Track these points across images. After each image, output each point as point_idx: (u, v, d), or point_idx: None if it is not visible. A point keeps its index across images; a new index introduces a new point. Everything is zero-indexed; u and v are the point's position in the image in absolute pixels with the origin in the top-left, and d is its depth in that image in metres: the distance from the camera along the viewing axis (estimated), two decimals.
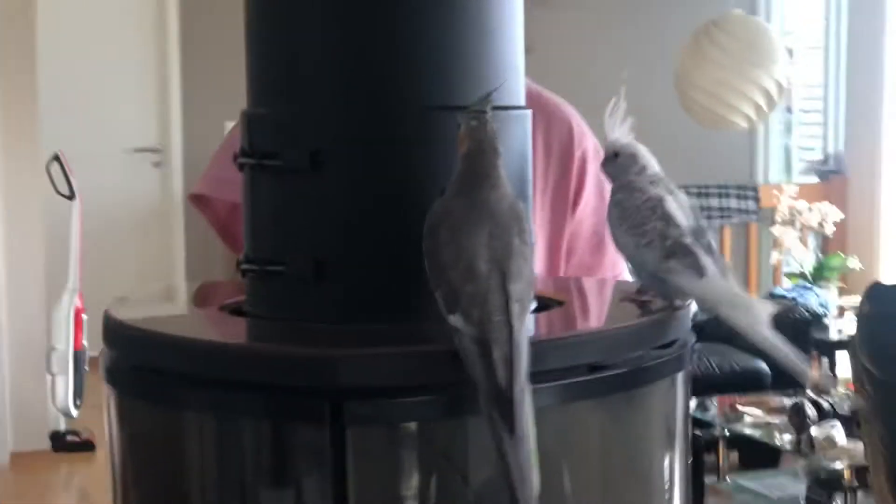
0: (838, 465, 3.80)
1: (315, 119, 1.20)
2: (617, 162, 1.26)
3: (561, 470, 1.15)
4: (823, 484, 3.84)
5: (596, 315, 1.34)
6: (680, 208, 1.23)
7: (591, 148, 1.78)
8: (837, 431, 3.83)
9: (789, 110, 6.49)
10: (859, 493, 3.76)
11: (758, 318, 1.16)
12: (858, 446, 3.76)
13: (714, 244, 1.22)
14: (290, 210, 1.21)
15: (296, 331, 1.18)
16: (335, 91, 1.20)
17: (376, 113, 1.19)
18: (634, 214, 1.22)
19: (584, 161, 1.77)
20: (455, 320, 1.06)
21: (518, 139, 1.23)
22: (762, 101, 5.00)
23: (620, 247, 1.25)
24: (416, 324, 1.17)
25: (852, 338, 3.15)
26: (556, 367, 1.11)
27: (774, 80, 5.13)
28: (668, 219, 1.21)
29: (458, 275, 1.07)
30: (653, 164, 1.26)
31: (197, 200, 1.79)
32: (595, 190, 1.76)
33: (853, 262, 5.40)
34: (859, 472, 3.69)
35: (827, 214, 5.30)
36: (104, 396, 1.24)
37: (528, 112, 1.25)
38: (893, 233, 5.79)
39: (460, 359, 1.06)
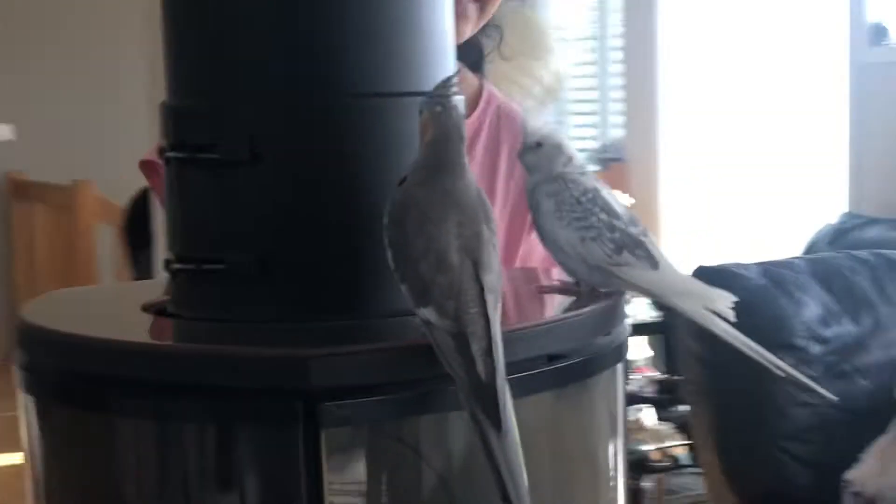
0: (646, 448, 3.88)
1: (251, 110, 1.14)
2: (541, 151, 1.22)
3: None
4: (633, 466, 3.92)
5: (538, 304, 1.32)
6: (613, 199, 1.21)
7: None
8: (645, 414, 3.92)
9: (562, 101, 6.60)
10: (669, 475, 3.86)
11: (717, 310, 1.15)
12: (667, 428, 3.86)
13: (650, 234, 1.21)
14: (229, 205, 1.15)
15: (247, 332, 1.12)
16: (269, 81, 1.14)
17: (313, 102, 1.14)
18: (575, 207, 1.18)
19: None
20: (427, 313, 1.03)
21: None
22: (541, 93, 5.07)
23: (559, 241, 1.19)
24: (369, 320, 1.14)
25: (672, 319, 3.22)
26: (519, 359, 1.09)
27: (551, 71, 5.22)
28: (609, 210, 1.18)
29: (428, 266, 1.04)
30: (577, 155, 1.24)
31: (145, 167, 1.73)
32: None
33: None
34: (667, 453, 3.78)
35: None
36: (21, 405, 1.17)
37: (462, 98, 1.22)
38: (673, 215, 5.96)
39: (434, 354, 1.03)
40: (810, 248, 5.31)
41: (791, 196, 5.75)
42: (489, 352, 1.01)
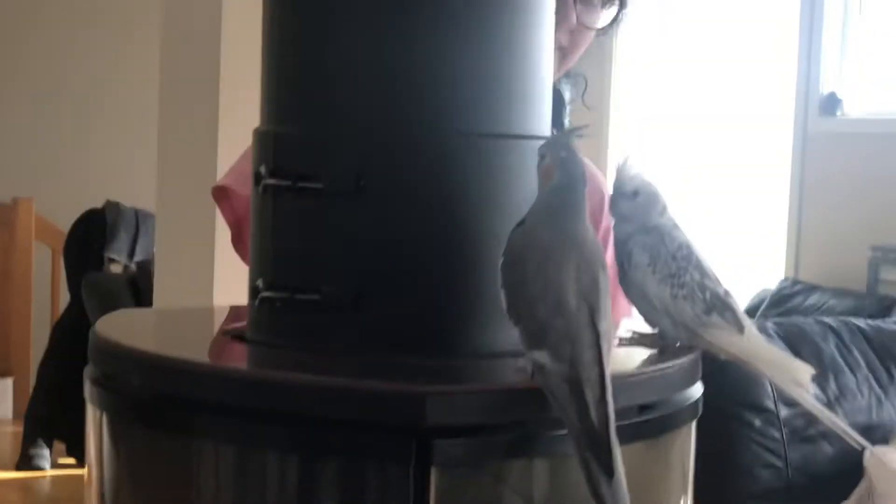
0: None
1: (358, 142, 1.14)
2: (637, 200, 1.21)
3: None
4: None
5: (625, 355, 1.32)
6: (704, 257, 1.20)
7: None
8: None
9: None
10: None
11: (799, 380, 1.16)
12: None
13: (731, 294, 1.20)
14: (328, 236, 1.14)
15: (343, 364, 1.11)
16: (378, 114, 1.14)
17: (421, 139, 1.14)
18: (669, 263, 1.18)
19: (608, 234, 1.65)
20: (540, 356, 1.03)
21: None
22: None
23: (649, 295, 1.19)
24: (463, 359, 1.14)
25: None
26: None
27: None
28: (702, 270, 1.18)
29: (546, 308, 1.04)
30: (670, 206, 1.24)
31: (218, 194, 1.72)
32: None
33: None
34: None
35: None
36: (92, 420, 1.15)
37: None
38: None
39: (545, 397, 1.03)
40: (750, 311, 5.38)
41: (731, 260, 5.82)
42: (602, 399, 1.01)
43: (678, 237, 1.20)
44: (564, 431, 1.03)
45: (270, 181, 1.16)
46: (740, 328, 1.16)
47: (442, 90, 1.14)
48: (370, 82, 1.14)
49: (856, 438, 1.15)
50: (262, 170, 1.17)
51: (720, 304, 1.17)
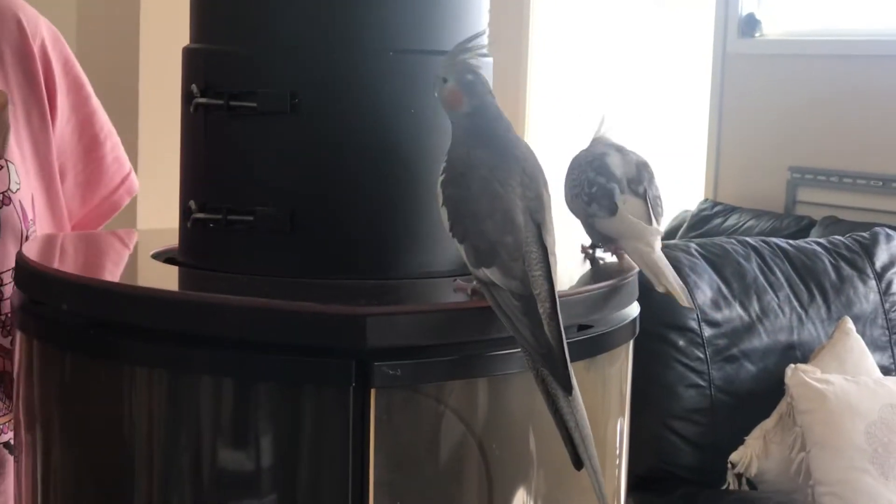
0: None
1: (292, 61, 1.11)
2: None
3: (546, 433, 1.13)
4: None
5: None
6: (622, 163, 1.25)
7: (47, 36, 1.45)
8: None
9: None
10: None
11: (649, 242, 1.21)
12: None
13: (654, 193, 1.26)
14: (263, 156, 1.12)
15: (278, 286, 1.09)
16: (310, 30, 1.12)
17: (353, 55, 1.12)
18: (573, 171, 1.26)
19: (45, 55, 1.44)
20: (490, 274, 1.01)
21: None
22: None
23: (569, 208, 1.27)
24: (400, 280, 1.12)
25: None
26: None
27: None
28: (601, 170, 1.24)
29: (494, 225, 1.02)
30: (608, 132, 1.30)
31: None
32: (65, 83, 1.46)
33: None
34: None
35: None
36: (22, 348, 1.13)
37: (490, 59, 1.21)
38: None
39: (489, 316, 1.02)
40: (670, 233, 5.42)
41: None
42: (554, 314, 1.01)
43: (595, 150, 1.26)
44: (504, 351, 1.03)
45: (202, 100, 1.13)
46: (612, 212, 1.22)
47: (375, 7, 1.12)
48: (299, 4, 1.11)
49: (684, 298, 1.18)
50: (194, 88, 1.14)
51: (601, 195, 1.22)
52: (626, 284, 1.18)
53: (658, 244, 1.21)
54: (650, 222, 1.23)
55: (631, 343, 1.22)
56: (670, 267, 1.20)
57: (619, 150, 1.27)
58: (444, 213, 1.05)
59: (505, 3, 6.10)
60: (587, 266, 1.24)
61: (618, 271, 1.21)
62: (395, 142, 1.11)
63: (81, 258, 1.24)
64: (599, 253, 1.27)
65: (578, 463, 0.98)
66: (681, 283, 1.20)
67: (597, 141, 1.28)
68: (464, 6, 1.16)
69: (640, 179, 1.25)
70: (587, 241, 1.27)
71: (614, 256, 1.25)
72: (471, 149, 1.05)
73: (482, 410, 1.07)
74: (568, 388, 0.98)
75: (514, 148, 1.06)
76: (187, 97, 1.14)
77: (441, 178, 1.05)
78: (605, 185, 1.23)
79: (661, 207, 1.26)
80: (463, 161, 1.05)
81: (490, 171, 1.04)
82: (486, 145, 1.05)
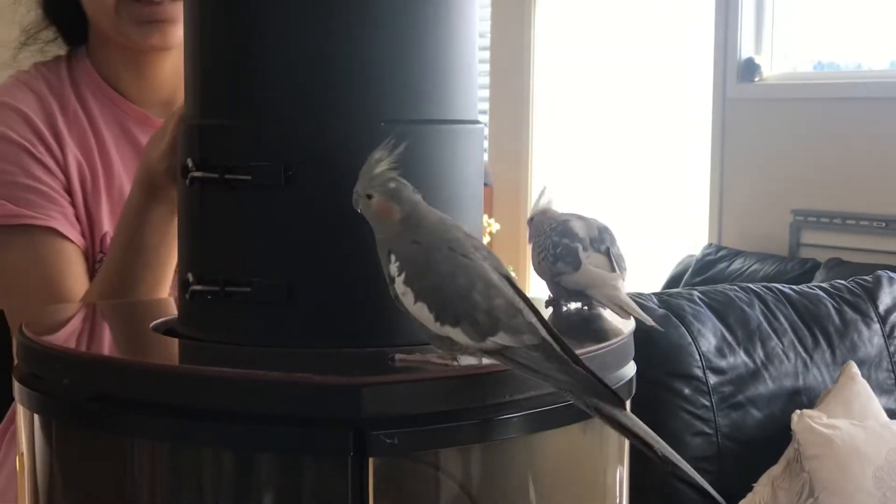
0: None
1: (285, 133, 1.13)
2: (533, 223, 1.38)
3: (546, 492, 1.14)
4: None
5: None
6: (585, 227, 1.34)
7: None
8: None
9: None
10: None
11: (615, 286, 1.29)
12: None
13: (616, 251, 1.33)
14: (258, 228, 1.14)
15: (277, 357, 1.10)
16: (302, 103, 1.13)
17: (346, 126, 1.13)
18: (539, 238, 1.35)
19: None
20: (499, 339, 1.03)
21: (475, 154, 1.21)
22: None
23: (536, 272, 1.35)
24: (398, 347, 1.13)
25: None
26: (545, 392, 1.10)
27: None
28: (564, 233, 1.33)
29: (481, 295, 1.04)
30: (554, 200, 1.39)
31: None
32: None
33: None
34: None
35: (485, 226, 5.47)
36: (24, 422, 1.14)
37: (482, 126, 1.23)
38: None
39: (488, 381, 1.03)
40: (675, 278, 5.43)
41: (654, 228, 5.86)
42: (566, 347, 1.03)
43: (558, 218, 1.35)
44: (500, 416, 1.04)
45: (197, 174, 1.15)
46: (577, 266, 1.31)
47: (367, 78, 1.13)
48: (295, 73, 1.13)
49: (647, 320, 1.26)
50: (189, 163, 1.16)
51: (565, 253, 1.31)
52: (620, 346, 1.19)
53: (622, 287, 1.29)
54: (613, 272, 1.31)
55: (628, 402, 1.23)
56: (632, 302, 1.28)
57: (580, 217, 1.36)
58: (421, 310, 1.05)
59: (510, 34, 6.14)
60: (561, 319, 1.27)
61: (612, 333, 1.22)
62: None
63: (82, 331, 1.26)
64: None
65: (661, 458, 1.02)
66: (646, 312, 1.30)
67: (547, 212, 1.37)
68: (455, 74, 1.18)
69: (602, 240, 1.34)
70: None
71: (584, 306, 1.32)
72: (417, 240, 1.06)
73: (480, 476, 1.08)
74: (620, 402, 1.02)
75: (451, 223, 1.08)
76: (183, 171, 1.16)
77: (400, 279, 1.05)
78: (569, 245, 1.32)
79: (624, 262, 1.34)
80: (417, 252, 1.05)
81: (448, 246, 1.05)
82: (430, 232, 1.07)
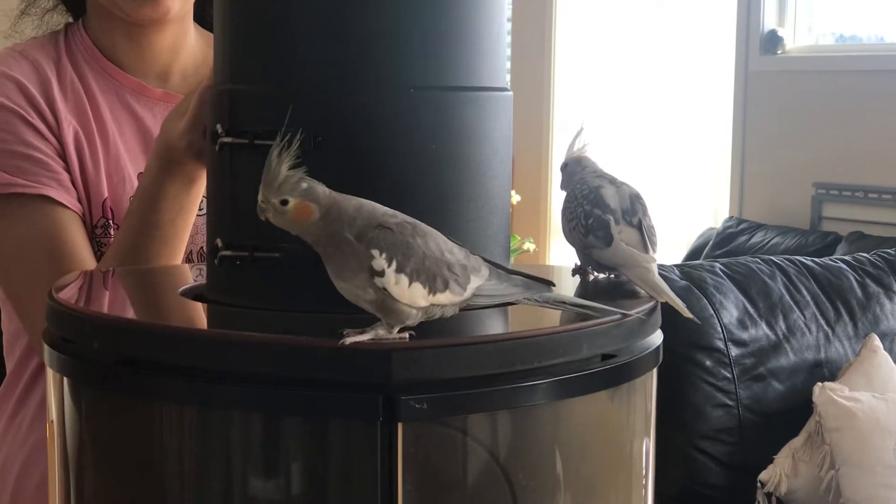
0: None
1: (314, 97, 1.13)
2: (566, 171, 1.36)
3: (573, 459, 1.14)
4: None
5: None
6: (617, 195, 1.32)
7: None
8: None
9: None
10: None
11: (648, 268, 1.27)
12: None
13: (648, 223, 1.31)
14: None
15: (308, 322, 1.11)
16: (332, 69, 1.13)
17: (375, 92, 1.14)
18: (571, 203, 1.33)
19: None
20: (473, 283, 1.05)
21: (504, 121, 1.21)
22: None
23: (566, 239, 1.34)
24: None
25: None
26: (578, 358, 1.10)
27: None
28: (596, 202, 1.30)
29: (449, 252, 1.05)
30: (598, 166, 1.36)
31: None
32: None
33: (528, 244, 5.60)
34: None
35: None
36: (54, 386, 1.15)
37: (510, 94, 1.23)
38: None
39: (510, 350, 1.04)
40: (696, 251, 5.42)
41: (676, 201, 5.85)
42: (499, 266, 1.08)
43: (590, 183, 1.33)
44: (529, 383, 1.04)
45: (227, 139, 1.15)
46: (608, 242, 1.29)
47: (397, 45, 1.14)
48: (325, 39, 1.13)
49: (682, 309, 1.24)
50: (219, 128, 1.16)
51: (596, 226, 1.29)
52: (649, 312, 1.19)
53: (655, 268, 1.28)
54: (646, 250, 1.29)
55: (655, 370, 1.23)
56: (667, 286, 1.27)
57: (613, 182, 1.34)
58: (415, 290, 1.02)
59: (532, 12, 6.12)
60: (588, 285, 1.28)
61: (639, 301, 1.22)
62: (418, 178, 1.13)
63: (111, 296, 1.26)
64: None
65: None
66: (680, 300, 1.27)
67: (585, 168, 1.35)
68: (484, 41, 1.18)
69: (634, 211, 1.32)
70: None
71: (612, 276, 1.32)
72: (382, 225, 1.04)
73: (508, 441, 1.09)
74: (552, 285, 1.08)
75: (366, 200, 1.06)
76: (213, 136, 1.16)
77: (391, 269, 1.02)
78: (601, 217, 1.30)
79: (656, 237, 1.32)
80: (391, 237, 1.03)
81: (400, 221, 1.04)
82: (367, 216, 1.04)
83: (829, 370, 3.06)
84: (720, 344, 2.96)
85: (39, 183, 1.62)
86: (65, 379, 1.14)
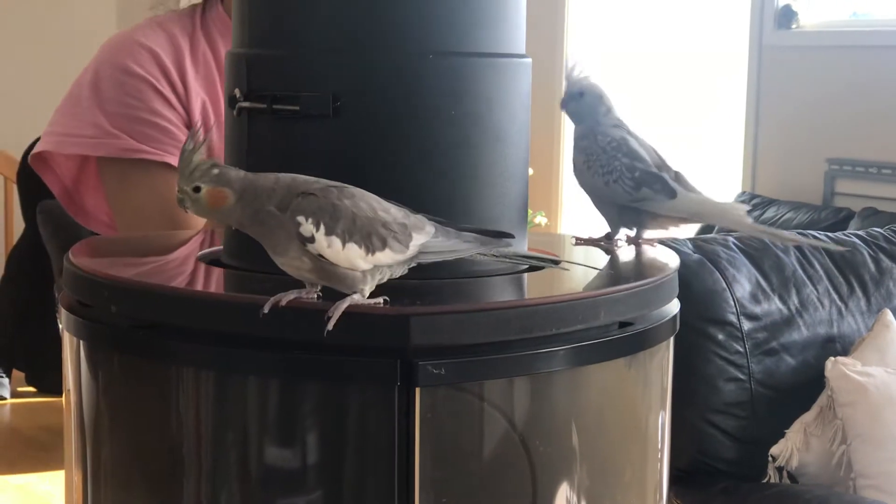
0: None
1: (334, 64, 1.13)
2: (583, 101, 1.32)
3: (590, 428, 1.14)
4: None
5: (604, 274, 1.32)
6: (641, 146, 1.32)
7: None
8: None
9: None
10: None
11: (740, 219, 1.27)
12: None
13: (682, 175, 1.32)
14: (305, 158, 1.14)
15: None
16: (351, 34, 1.13)
17: (393, 57, 1.13)
18: (601, 156, 1.29)
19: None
20: (416, 241, 1.04)
21: (522, 87, 1.21)
22: None
23: (588, 188, 1.30)
24: (447, 279, 1.14)
25: None
26: (596, 325, 1.10)
27: None
28: (632, 155, 1.28)
29: (385, 211, 1.04)
30: (615, 107, 1.32)
31: (39, 161, 1.67)
32: None
33: (539, 218, 5.59)
34: None
35: None
36: (70, 350, 1.15)
37: (529, 60, 1.23)
38: (574, 187, 6.02)
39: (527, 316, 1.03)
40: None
41: (689, 174, 5.83)
42: (446, 223, 1.08)
43: (612, 134, 1.30)
44: (547, 349, 1.04)
45: (245, 104, 1.15)
46: (672, 194, 1.28)
47: (415, 10, 1.13)
48: (344, 4, 1.13)
49: (785, 239, 1.27)
50: (237, 93, 1.16)
51: (649, 178, 1.28)
52: (666, 281, 1.19)
53: (749, 217, 1.27)
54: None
55: (671, 339, 1.23)
56: (766, 227, 1.30)
57: (630, 133, 1.32)
58: (351, 251, 1.02)
59: (543, 3, 6.10)
60: (623, 259, 1.26)
61: (657, 268, 1.21)
62: (436, 143, 1.13)
63: (129, 261, 1.26)
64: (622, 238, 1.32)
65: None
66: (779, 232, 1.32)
67: (602, 105, 1.32)
68: (503, 8, 1.17)
69: (664, 164, 1.31)
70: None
71: (631, 245, 1.30)
72: (306, 192, 1.03)
73: (525, 408, 1.09)
74: (507, 237, 1.07)
75: (285, 174, 1.04)
76: (230, 101, 1.16)
77: (321, 234, 1.01)
78: (647, 171, 1.28)
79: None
80: (315, 202, 1.02)
81: (325, 186, 1.03)
82: (286, 189, 1.03)
83: (841, 345, 3.05)
84: (733, 318, 2.95)
85: (164, 150, 1.65)
86: (81, 345, 1.14)
